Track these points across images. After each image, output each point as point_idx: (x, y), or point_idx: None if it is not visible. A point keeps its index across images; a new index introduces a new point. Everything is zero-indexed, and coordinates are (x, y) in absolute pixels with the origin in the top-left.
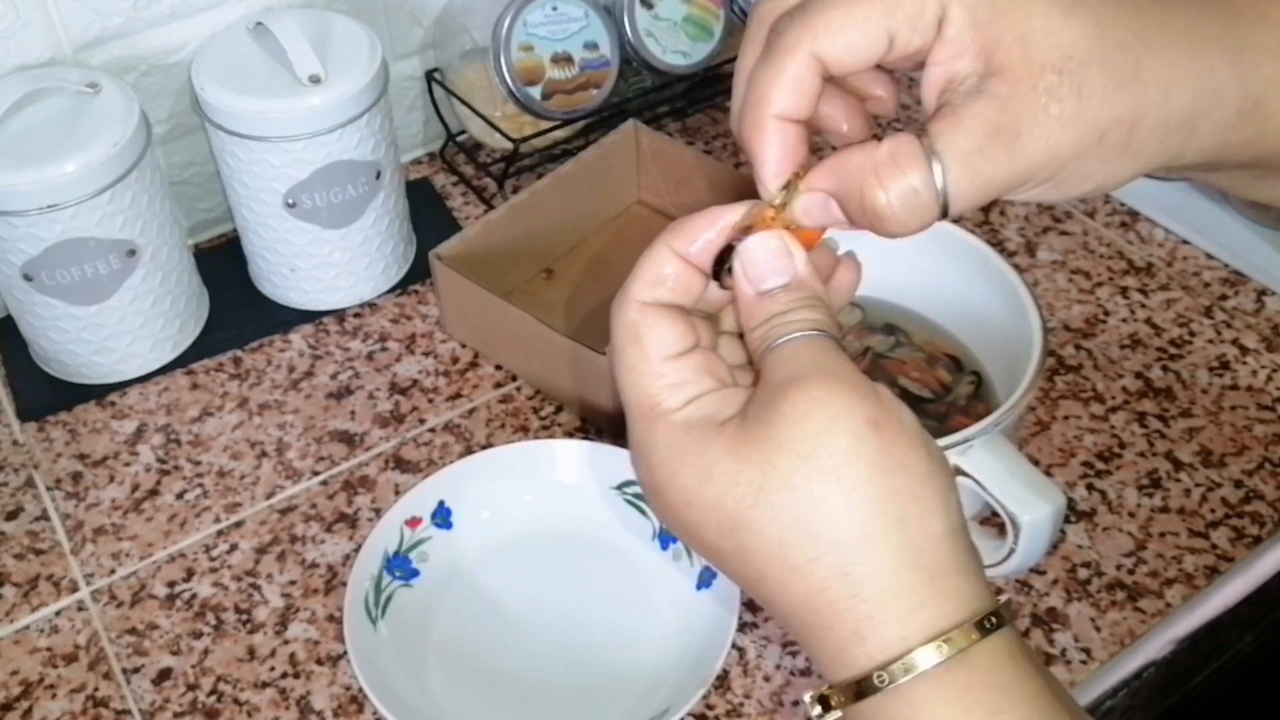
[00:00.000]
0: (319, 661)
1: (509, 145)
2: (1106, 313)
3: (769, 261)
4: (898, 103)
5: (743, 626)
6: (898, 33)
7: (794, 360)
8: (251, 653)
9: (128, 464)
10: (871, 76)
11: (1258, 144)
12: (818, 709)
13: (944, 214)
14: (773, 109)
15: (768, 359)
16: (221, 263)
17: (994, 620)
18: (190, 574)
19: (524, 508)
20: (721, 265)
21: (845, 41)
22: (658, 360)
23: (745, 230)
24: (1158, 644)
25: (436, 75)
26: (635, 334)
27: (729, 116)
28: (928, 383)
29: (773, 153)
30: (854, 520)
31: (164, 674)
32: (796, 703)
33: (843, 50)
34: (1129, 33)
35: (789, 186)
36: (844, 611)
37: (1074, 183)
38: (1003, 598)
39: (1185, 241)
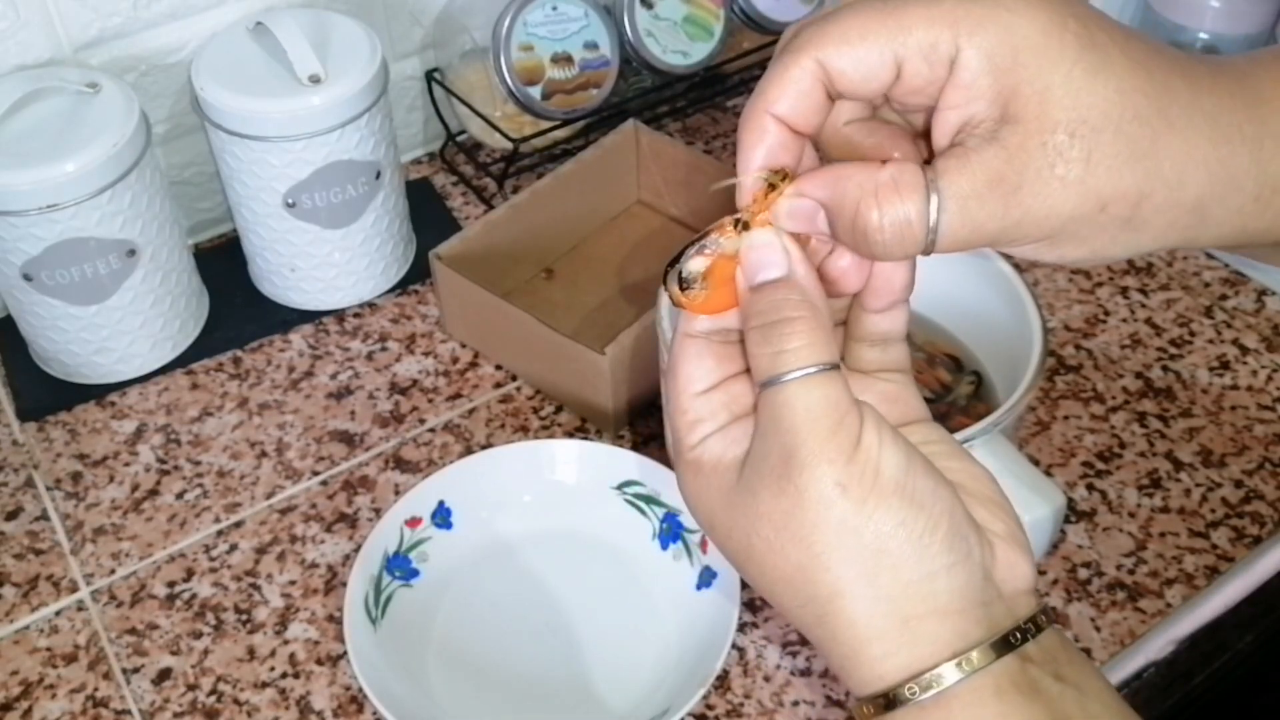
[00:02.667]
0: (319, 661)
1: (509, 145)
2: (1106, 313)
3: (764, 253)
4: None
5: (743, 626)
6: (906, 60)
7: (782, 415)
8: (251, 653)
9: (128, 464)
10: (893, 136)
11: (1279, 230)
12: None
13: (929, 249)
14: (769, 106)
15: (764, 399)
16: (221, 263)
17: (971, 661)
18: (190, 574)
19: (524, 508)
20: (670, 268)
21: (852, 55)
22: (685, 396)
23: (697, 242)
24: (1158, 644)
25: (436, 75)
26: (673, 368)
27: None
28: (928, 383)
29: (754, 149)
30: (824, 579)
31: (164, 674)
32: (797, 703)
33: (848, 64)
34: (1152, 108)
35: (768, 191)
36: (830, 649)
37: (1070, 246)
38: (1031, 609)
39: None
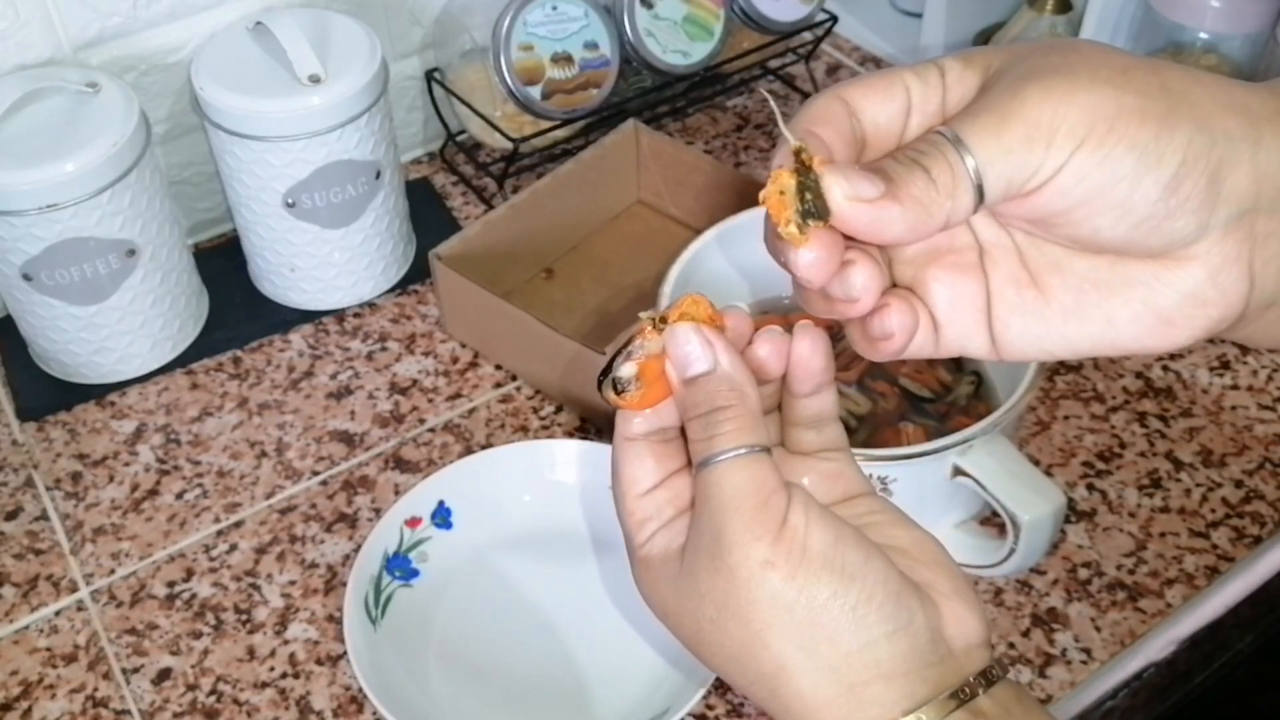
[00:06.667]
0: (319, 661)
1: (509, 145)
2: None
3: (690, 350)
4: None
5: None
6: (911, 85)
7: (711, 495)
8: (251, 653)
9: (127, 464)
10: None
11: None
12: None
13: (980, 198)
14: (803, 123)
15: (698, 481)
16: (221, 263)
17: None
18: (190, 574)
19: (524, 508)
20: (603, 378)
21: (866, 87)
22: (630, 498)
23: (621, 350)
24: (1158, 644)
25: (436, 75)
26: (616, 472)
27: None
28: (928, 383)
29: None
30: (766, 656)
31: (164, 674)
32: None
33: (864, 91)
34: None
35: (796, 169)
36: None
37: (1126, 134)
38: (977, 668)
39: None
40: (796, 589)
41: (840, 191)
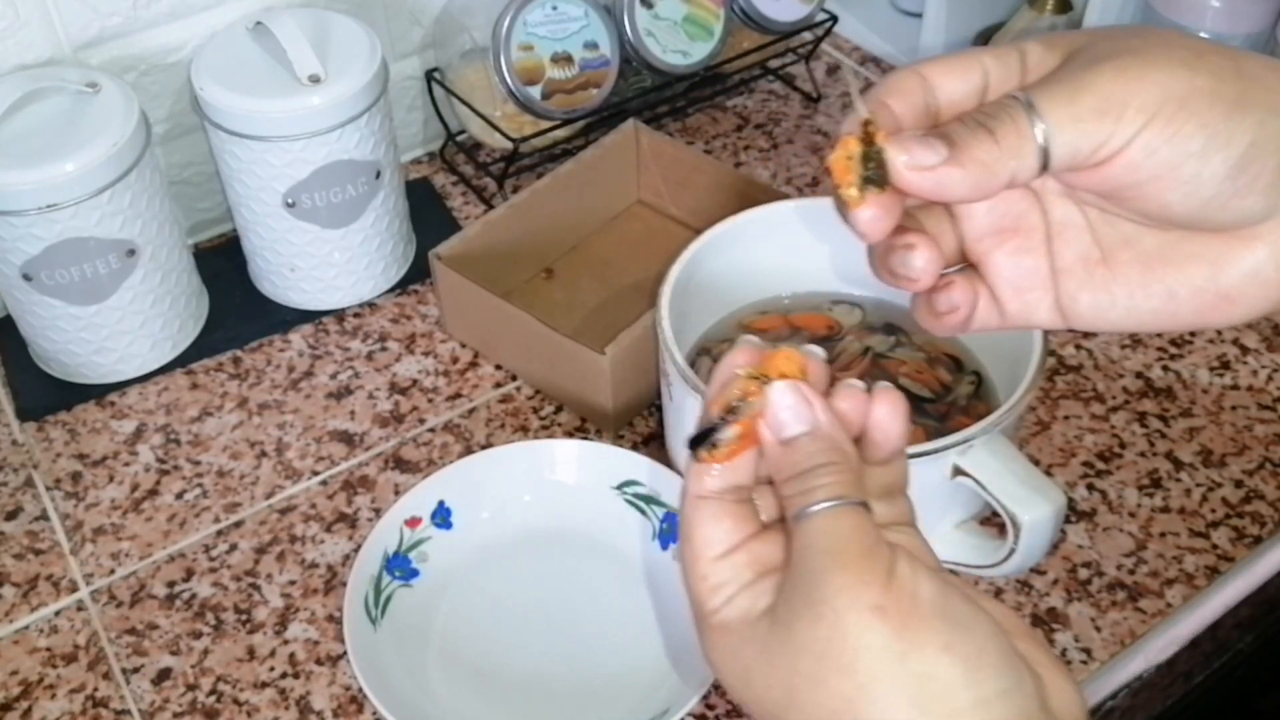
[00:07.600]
0: (319, 661)
1: (509, 145)
2: None
3: (789, 410)
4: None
5: None
6: (990, 68)
7: (813, 543)
8: (251, 653)
9: (127, 464)
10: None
11: None
12: None
13: (1045, 161)
14: (879, 94)
15: (795, 532)
16: (221, 263)
17: None
18: (190, 574)
19: (524, 508)
20: (701, 442)
21: (945, 64)
22: (704, 561)
23: (728, 411)
24: (1158, 644)
25: (436, 75)
26: (687, 532)
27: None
28: (928, 383)
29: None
30: (873, 713)
31: (163, 674)
32: None
33: (943, 68)
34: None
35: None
36: None
37: (1193, 116)
38: None
39: None
40: (909, 638)
41: (901, 163)
